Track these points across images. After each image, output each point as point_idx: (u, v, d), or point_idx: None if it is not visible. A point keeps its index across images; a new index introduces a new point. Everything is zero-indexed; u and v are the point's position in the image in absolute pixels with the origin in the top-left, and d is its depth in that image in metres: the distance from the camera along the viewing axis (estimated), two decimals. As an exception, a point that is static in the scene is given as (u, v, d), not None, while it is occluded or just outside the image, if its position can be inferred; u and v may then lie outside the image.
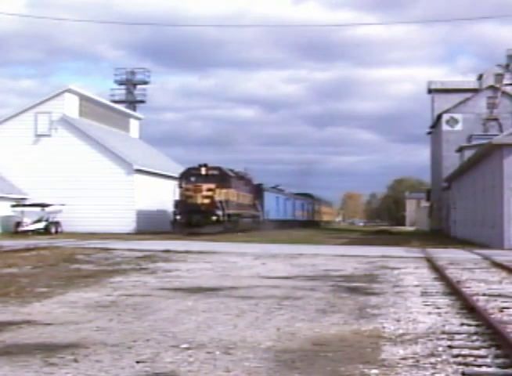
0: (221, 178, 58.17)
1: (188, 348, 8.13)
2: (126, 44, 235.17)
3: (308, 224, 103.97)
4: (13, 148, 58.46)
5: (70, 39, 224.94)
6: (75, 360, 7.48)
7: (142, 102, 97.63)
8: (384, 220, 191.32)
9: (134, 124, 79.07)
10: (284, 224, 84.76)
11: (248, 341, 8.63)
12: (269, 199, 78.95)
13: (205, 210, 54.91)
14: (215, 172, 58.38)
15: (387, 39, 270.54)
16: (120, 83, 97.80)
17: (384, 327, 9.83)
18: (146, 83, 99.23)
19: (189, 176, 58.51)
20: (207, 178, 57.30)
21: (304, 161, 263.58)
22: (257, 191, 73.21)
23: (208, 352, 7.93)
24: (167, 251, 26.37)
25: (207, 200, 55.61)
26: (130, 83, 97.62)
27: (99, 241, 33.07)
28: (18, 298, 12.74)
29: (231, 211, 57.91)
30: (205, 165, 58.74)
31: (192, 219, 54.33)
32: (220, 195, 56.29)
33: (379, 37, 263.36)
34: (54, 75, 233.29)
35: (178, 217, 55.35)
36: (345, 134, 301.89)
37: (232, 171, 62.90)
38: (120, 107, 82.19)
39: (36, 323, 9.95)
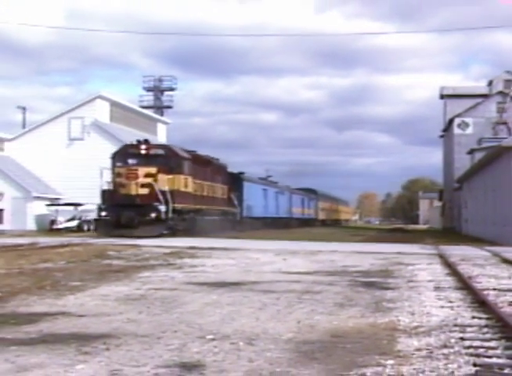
0: (169, 160, 40.58)
1: (213, 340, 8.12)
2: (155, 53, 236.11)
3: (308, 223, 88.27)
4: (48, 151, 58.92)
5: (103, 49, 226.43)
6: (107, 349, 7.50)
7: (169, 107, 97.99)
8: (399, 219, 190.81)
9: (161, 129, 79.21)
10: (275, 222, 68.52)
11: (270, 333, 8.61)
12: (252, 192, 60.78)
13: (141, 204, 37.93)
14: (160, 152, 41.00)
15: (404, 47, 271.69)
16: (149, 89, 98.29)
17: (399, 320, 9.77)
18: (172, 89, 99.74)
19: (125, 157, 40.83)
20: (148, 159, 39.93)
21: (323, 163, 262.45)
22: (234, 181, 55.59)
23: (232, 343, 7.92)
24: (193, 247, 26.37)
25: (144, 190, 38.34)
26: (157, 89, 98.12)
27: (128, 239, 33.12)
28: (53, 291, 12.79)
29: (183, 206, 40.96)
30: (146, 142, 41.60)
31: (121, 217, 37.38)
32: (164, 183, 38.96)
33: (396, 46, 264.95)
34: (88, 83, 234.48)
35: (103, 213, 39.04)
36: (363, 137, 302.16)
37: (189, 151, 45.47)
38: (149, 112, 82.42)
39: (70, 315, 9.99)
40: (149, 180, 38.58)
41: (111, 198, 39.09)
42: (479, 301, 11.35)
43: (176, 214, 39.73)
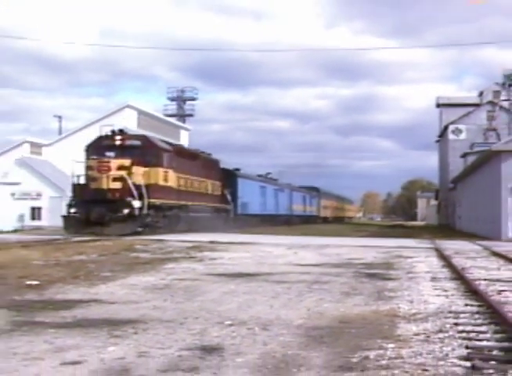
0: (146, 151, 34.12)
1: (231, 325, 8.12)
2: (179, 66, 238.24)
3: (310, 220, 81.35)
4: (81, 157, 58.96)
5: (132, 63, 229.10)
6: (135, 333, 7.51)
7: (190, 115, 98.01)
8: (399, 216, 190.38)
9: (184, 135, 79.45)
10: (274, 220, 62.26)
11: (282, 319, 8.60)
12: (247, 188, 53.82)
13: (113, 199, 31.95)
14: (136, 143, 34.39)
15: (404, 61, 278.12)
16: (172, 99, 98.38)
17: (399, 308, 9.75)
18: (194, 99, 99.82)
19: (99, 148, 34.23)
20: (123, 151, 33.53)
21: (331, 165, 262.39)
22: (228, 178, 48.93)
23: (248, 328, 7.91)
24: (212, 242, 26.36)
25: (116, 184, 32.16)
26: (180, 99, 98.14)
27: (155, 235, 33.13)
28: (87, 280, 12.81)
29: (162, 202, 34.82)
30: (121, 132, 35.23)
31: (91, 213, 31.56)
32: (139, 176, 32.79)
33: (397, 60, 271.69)
34: (118, 94, 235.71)
35: (72, 210, 33.01)
36: (366, 142, 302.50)
37: (171, 144, 39.39)
38: (172, 120, 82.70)
39: (102, 302, 10.01)
40: (121, 173, 32.18)
41: (82, 193, 33.03)
42: (471, 291, 11.36)
43: (154, 210, 33.74)
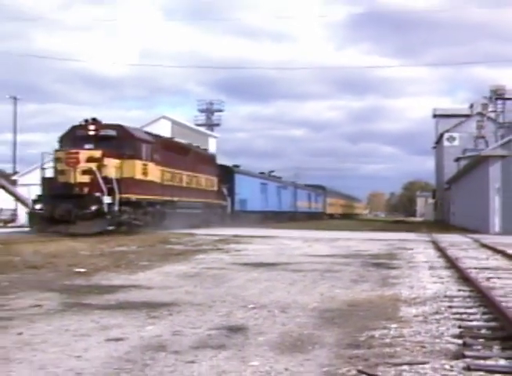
0: (121, 142, 27.69)
1: (254, 308, 8.12)
2: (208, 82, 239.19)
3: (316, 216, 76.09)
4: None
5: (167, 80, 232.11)
6: (170, 315, 7.53)
7: (217, 125, 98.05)
8: (400, 213, 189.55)
9: (212, 142, 79.33)
10: (277, 216, 56.92)
11: (299, 303, 8.59)
12: (246, 185, 47.62)
13: (80, 194, 25.94)
14: (111, 133, 27.88)
15: (405, 77, 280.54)
16: (202, 111, 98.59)
17: (401, 293, 9.72)
18: (221, 111, 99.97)
19: (71, 139, 27.80)
20: (98, 142, 27.34)
21: (341, 168, 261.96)
22: (225, 174, 43.03)
23: (269, 311, 7.90)
24: (237, 236, 26.37)
25: (84, 178, 26.19)
26: (209, 111, 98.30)
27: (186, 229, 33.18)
28: (127, 268, 12.87)
29: (141, 197, 28.48)
30: (94, 121, 28.14)
31: (55, 210, 25.48)
32: (111, 169, 26.61)
33: (399, 76, 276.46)
34: (155, 107, 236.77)
35: (37, 206, 27.06)
36: (372, 148, 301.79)
37: (156, 136, 32.20)
38: (201, 129, 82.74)
39: (141, 287, 10.04)
40: (91, 166, 26.09)
41: (49, 188, 26.86)
42: (463, 278, 11.35)
43: (131, 206, 27.75)
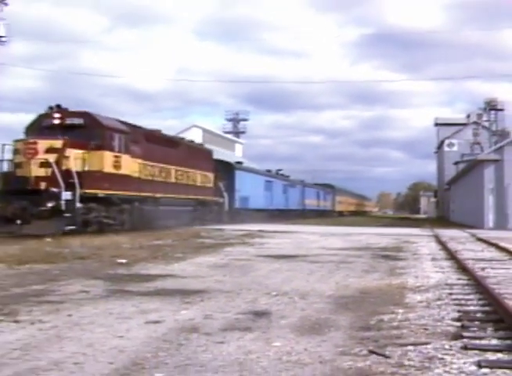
0: (89, 131, 22.11)
1: (276, 295, 8.12)
2: (236, 94, 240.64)
3: (325, 214, 69.62)
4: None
5: (200, 93, 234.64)
6: (202, 301, 7.56)
7: (243, 132, 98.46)
8: (406, 210, 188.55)
9: (238, 148, 79.75)
10: (284, 214, 50.99)
11: (316, 291, 8.59)
12: (247, 182, 41.32)
13: (36, 189, 20.40)
14: (78, 121, 22.36)
15: (411, 90, 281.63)
16: (229, 120, 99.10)
17: (407, 281, 9.70)
18: (246, 120, 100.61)
19: (37, 129, 22.47)
20: (65, 131, 21.68)
21: (354, 171, 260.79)
22: (224, 170, 37.21)
23: (290, 298, 7.91)
24: (261, 230, 26.37)
25: (42, 171, 20.69)
26: (236, 120, 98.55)
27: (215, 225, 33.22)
28: (163, 260, 12.92)
29: (111, 193, 22.90)
30: (59, 107, 22.61)
31: (8, 208, 20.08)
32: (75, 161, 21.19)
33: (405, 89, 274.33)
34: (188, 116, 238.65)
35: None
36: (381, 153, 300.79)
37: (128, 124, 25.27)
38: (229, 136, 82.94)
39: (176, 276, 10.08)
40: (50, 157, 20.56)
41: (6, 183, 21.26)
42: (462, 268, 11.37)
43: (100, 204, 22.20)
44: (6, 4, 31.70)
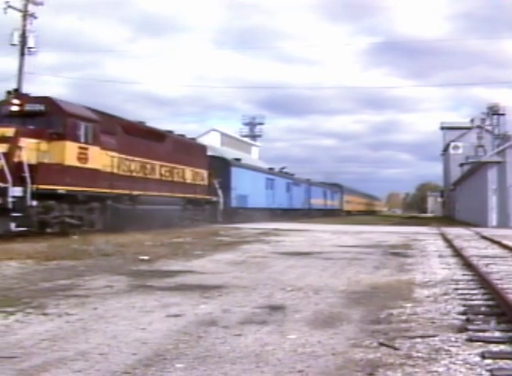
0: (50, 118, 18.07)
1: (291, 290, 8.12)
2: (252, 100, 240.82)
3: (333, 213, 65.59)
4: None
5: (218, 99, 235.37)
6: (220, 295, 7.56)
7: (259, 136, 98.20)
8: (414, 210, 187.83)
9: (254, 150, 79.78)
10: (287, 213, 46.75)
11: (329, 286, 8.58)
12: (245, 179, 37.45)
13: None
14: (38, 108, 18.19)
15: (418, 96, 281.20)
16: (246, 124, 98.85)
17: (415, 277, 9.69)
18: (262, 124, 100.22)
19: None
20: (25, 119, 17.96)
21: (365, 172, 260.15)
22: (219, 167, 32.91)
23: (304, 293, 7.91)
24: (276, 229, 26.35)
25: None
26: (252, 124, 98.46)
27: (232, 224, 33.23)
28: (183, 256, 12.94)
29: (73, 190, 18.46)
30: (16, 92, 20.15)
31: None
32: (29, 152, 16.99)
33: (413, 95, 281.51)
34: (207, 120, 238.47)
35: None
36: (391, 155, 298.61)
37: (99, 112, 20.90)
38: (246, 139, 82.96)
39: (195, 272, 10.10)
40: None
41: None
42: (467, 264, 11.37)
43: (64, 201, 18.27)
44: (36, 17, 31.86)
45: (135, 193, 22.56)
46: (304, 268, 11.09)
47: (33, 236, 16.68)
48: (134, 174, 22.86)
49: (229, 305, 6.88)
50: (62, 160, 18.23)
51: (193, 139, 30.50)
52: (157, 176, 24.96)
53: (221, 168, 33.29)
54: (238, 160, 40.41)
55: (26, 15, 31.45)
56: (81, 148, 19.09)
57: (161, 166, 25.31)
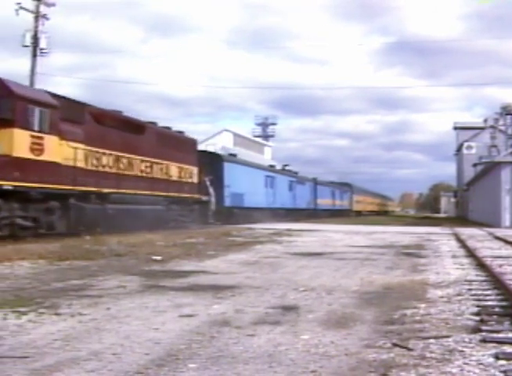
0: None
1: (304, 291, 8.10)
2: (265, 100, 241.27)
3: (342, 213, 62.43)
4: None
5: (231, 99, 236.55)
6: (233, 295, 7.55)
7: (272, 136, 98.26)
8: (427, 210, 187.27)
9: (267, 151, 79.70)
10: (291, 213, 43.85)
11: (342, 286, 8.55)
12: (241, 176, 34.02)
13: None
14: None
15: (431, 96, 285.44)
16: (259, 124, 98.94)
17: (428, 278, 9.63)
18: (275, 124, 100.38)
19: None
20: None
21: (378, 172, 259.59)
22: (210, 162, 29.70)
23: (317, 293, 7.88)
24: (288, 229, 26.33)
25: None
26: (265, 124, 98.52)
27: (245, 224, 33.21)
28: (196, 257, 12.94)
29: (24, 186, 15.50)
30: None
31: None
32: None
33: (425, 95, 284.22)
34: (219, 121, 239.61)
35: None
36: (404, 155, 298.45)
37: (59, 96, 17.78)
38: (258, 140, 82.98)
39: (208, 272, 10.10)
40: None
41: None
42: (480, 265, 11.33)
43: (12, 200, 15.46)
44: (48, 18, 32.03)
45: (105, 190, 19.71)
46: (317, 268, 11.06)
47: (44, 237, 16.73)
48: (105, 169, 20.02)
49: (242, 305, 6.86)
50: (9, 150, 15.44)
51: (181, 132, 27.17)
52: (135, 172, 22.05)
53: (212, 163, 30.36)
54: (233, 155, 37.15)
55: (38, 16, 31.65)
56: (34, 137, 16.22)
57: (141, 161, 22.48)
